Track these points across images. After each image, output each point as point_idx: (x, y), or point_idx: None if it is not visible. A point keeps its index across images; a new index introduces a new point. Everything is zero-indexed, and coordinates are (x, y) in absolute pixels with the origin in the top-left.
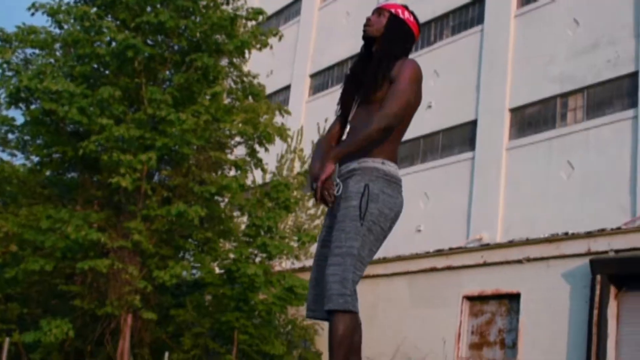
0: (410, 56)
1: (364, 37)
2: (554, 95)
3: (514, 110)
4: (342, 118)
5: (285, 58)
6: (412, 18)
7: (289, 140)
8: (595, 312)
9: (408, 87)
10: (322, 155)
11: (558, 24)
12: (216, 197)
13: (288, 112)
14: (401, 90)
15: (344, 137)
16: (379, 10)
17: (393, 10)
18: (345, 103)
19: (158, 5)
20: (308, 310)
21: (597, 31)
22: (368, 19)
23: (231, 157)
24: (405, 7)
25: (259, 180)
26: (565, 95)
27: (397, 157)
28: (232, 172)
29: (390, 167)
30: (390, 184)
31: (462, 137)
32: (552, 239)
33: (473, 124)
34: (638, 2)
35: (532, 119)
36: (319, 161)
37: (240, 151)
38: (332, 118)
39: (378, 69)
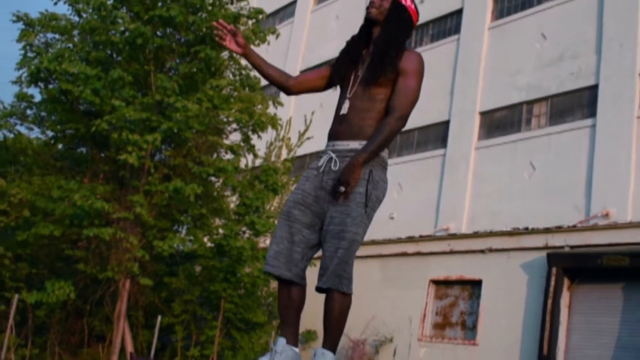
0: None
1: (367, 18)
2: (520, 102)
3: (483, 114)
4: (324, 72)
5: (279, 55)
6: (413, 5)
7: (279, 129)
8: (550, 301)
9: (417, 84)
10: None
11: (527, 37)
12: (211, 178)
13: (281, 104)
14: (413, 88)
15: (342, 112)
16: None
17: None
18: (338, 79)
19: (169, 1)
20: (268, 264)
21: (563, 45)
22: (372, 1)
23: (227, 142)
24: None
25: (250, 164)
26: (530, 103)
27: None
28: (228, 156)
29: (386, 153)
30: (384, 170)
31: (435, 135)
32: (513, 233)
33: (446, 124)
34: (600, 20)
35: (499, 122)
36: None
37: (235, 137)
38: (318, 111)
39: (386, 56)
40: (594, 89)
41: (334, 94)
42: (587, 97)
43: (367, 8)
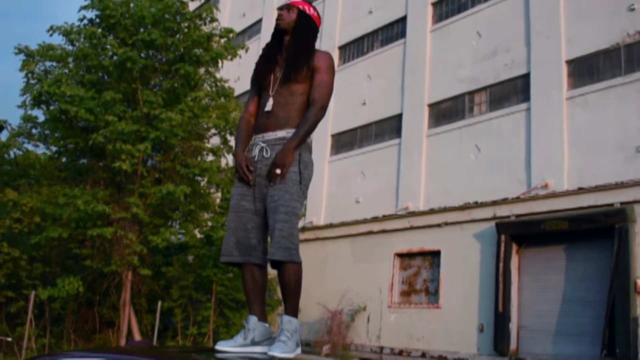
0: (348, 65)
1: (276, 29)
2: (462, 93)
3: (431, 105)
4: (257, 96)
5: (249, 67)
6: (316, 13)
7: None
8: (501, 265)
9: (331, 78)
10: (244, 139)
11: (464, 37)
12: (197, 177)
13: None
14: (328, 82)
15: (267, 108)
16: (288, 7)
17: (301, 7)
18: (261, 80)
19: (149, 27)
20: (224, 255)
21: (496, 41)
22: (280, 14)
23: (208, 145)
24: (309, 4)
25: (230, 163)
26: (471, 93)
27: None
28: (210, 157)
29: (310, 139)
30: (310, 152)
31: (391, 127)
32: (464, 207)
33: (399, 116)
34: (528, 16)
35: (446, 112)
36: (241, 145)
37: (215, 140)
38: None
39: (299, 57)
40: (526, 77)
41: None
42: (521, 85)
43: (277, 20)
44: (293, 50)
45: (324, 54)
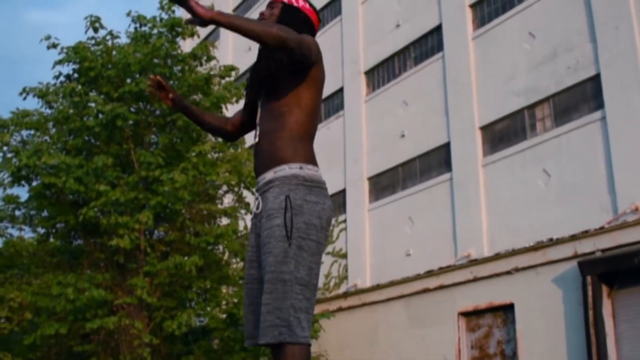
0: (379, 92)
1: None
2: (520, 108)
3: (484, 128)
4: (244, 113)
5: None
6: (307, 5)
7: None
8: (591, 312)
9: (304, 35)
10: (203, 112)
11: (515, 40)
12: (212, 246)
13: None
14: (284, 27)
15: (255, 139)
16: (271, 4)
17: (286, 0)
18: (249, 104)
19: (137, 75)
20: (247, 338)
21: (554, 41)
22: (261, 14)
23: (221, 206)
24: None
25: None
26: (531, 107)
27: (315, 158)
28: (224, 221)
29: (309, 170)
30: (312, 189)
31: (438, 160)
32: (537, 247)
33: (446, 146)
34: (589, 6)
35: (502, 133)
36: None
37: (228, 199)
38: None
39: (273, 56)
40: (596, 80)
41: (321, 139)
42: (591, 89)
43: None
44: (248, 35)
45: None
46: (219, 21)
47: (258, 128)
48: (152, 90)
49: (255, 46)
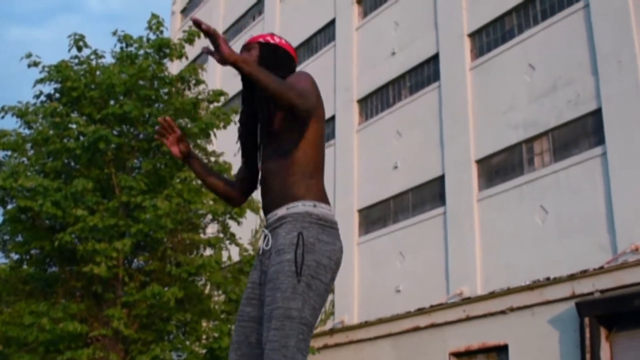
0: (372, 121)
1: (244, 81)
2: (518, 141)
3: (480, 161)
4: (246, 172)
5: None
6: (283, 41)
7: (261, 213)
8: (588, 356)
9: (301, 81)
10: (203, 164)
11: (514, 71)
12: (194, 277)
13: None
14: (296, 79)
15: (261, 183)
16: (247, 47)
17: (262, 40)
18: (246, 152)
19: (121, 97)
20: None
21: (554, 73)
22: None
23: (204, 236)
24: (272, 34)
25: (237, 256)
26: (529, 141)
27: (326, 195)
28: (207, 252)
29: (322, 209)
30: (325, 229)
31: (432, 193)
32: (534, 286)
33: (441, 179)
34: (592, 39)
35: (499, 167)
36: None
37: (213, 228)
38: None
39: (274, 94)
40: (597, 114)
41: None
42: (592, 124)
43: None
44: (263, 89)
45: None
46: (240, 67)
47: (262, 167)
48: (160, 130)
49: None
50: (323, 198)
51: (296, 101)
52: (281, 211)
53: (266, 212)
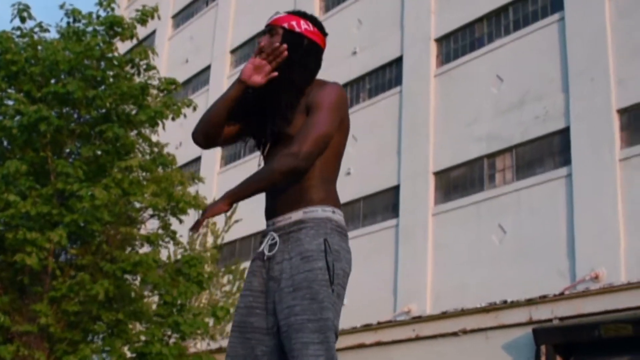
0: None
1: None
2: (480, 156)
3: (438, 174)
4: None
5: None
6: (310, 27)
7: (199, 214)
8: None
9: (327, 116)
10: None
11: (481, 82)
12: (128, 276)
13: (201, 180)
14: (317, 122)
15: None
16: (269, 29)
17: (286, 25)
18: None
19: (64, 76)
20: None
21: (523, 87)
22: (259, 44)
23: (143, 231)
24: (301, 16)
25: (173, 256)
26: (492, 156)
27: (340, 202)
28: (144, 249)
29: (340, 216)
30: (342, 236)
31: (385, 203)
32: (489, 308)
33: (395, 189)
34: (565, 54)
35: (458, 181)
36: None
37: (153, 224)
38: None
39: (283, 100)
40: (565, 133)
41: None
42: (558, 143)
43: (255, 53)
44: (278, 91)
45: (330, 85)
46: (239, 198)
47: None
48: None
49: (193, 58)
50: (339, 205)
51: (296, 167)
52: (296, 215)
53: (273, 215)
